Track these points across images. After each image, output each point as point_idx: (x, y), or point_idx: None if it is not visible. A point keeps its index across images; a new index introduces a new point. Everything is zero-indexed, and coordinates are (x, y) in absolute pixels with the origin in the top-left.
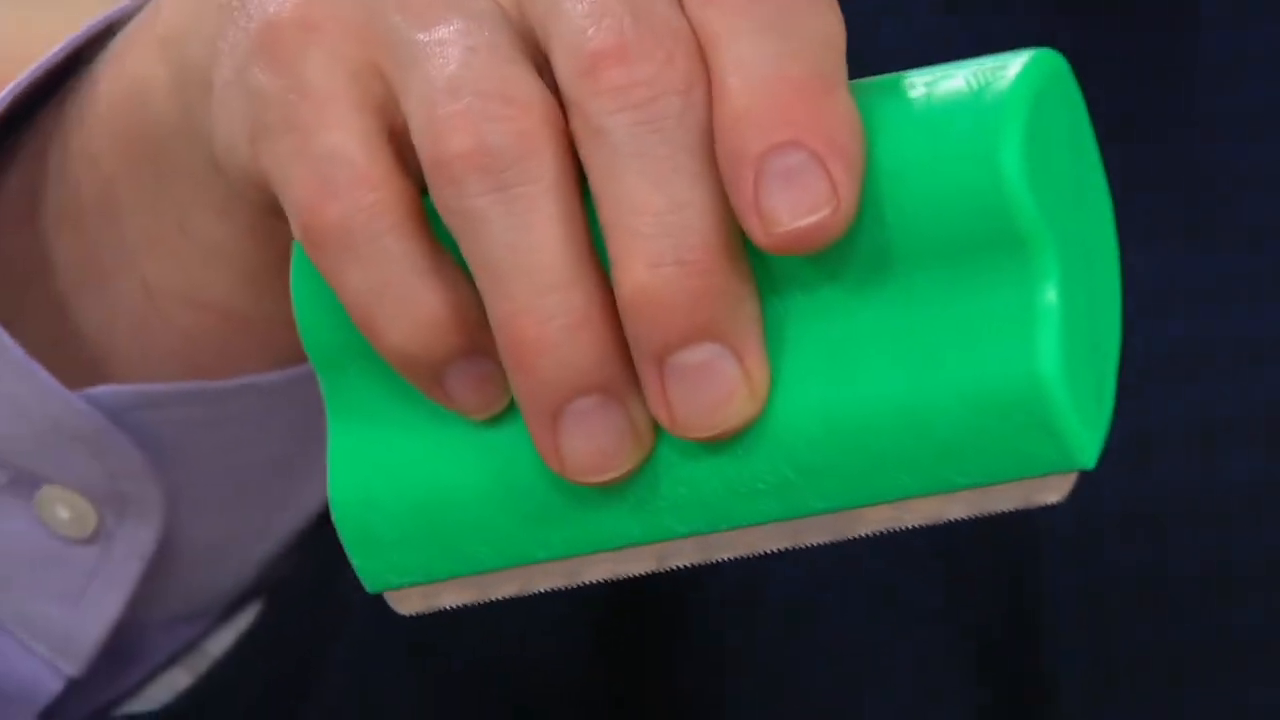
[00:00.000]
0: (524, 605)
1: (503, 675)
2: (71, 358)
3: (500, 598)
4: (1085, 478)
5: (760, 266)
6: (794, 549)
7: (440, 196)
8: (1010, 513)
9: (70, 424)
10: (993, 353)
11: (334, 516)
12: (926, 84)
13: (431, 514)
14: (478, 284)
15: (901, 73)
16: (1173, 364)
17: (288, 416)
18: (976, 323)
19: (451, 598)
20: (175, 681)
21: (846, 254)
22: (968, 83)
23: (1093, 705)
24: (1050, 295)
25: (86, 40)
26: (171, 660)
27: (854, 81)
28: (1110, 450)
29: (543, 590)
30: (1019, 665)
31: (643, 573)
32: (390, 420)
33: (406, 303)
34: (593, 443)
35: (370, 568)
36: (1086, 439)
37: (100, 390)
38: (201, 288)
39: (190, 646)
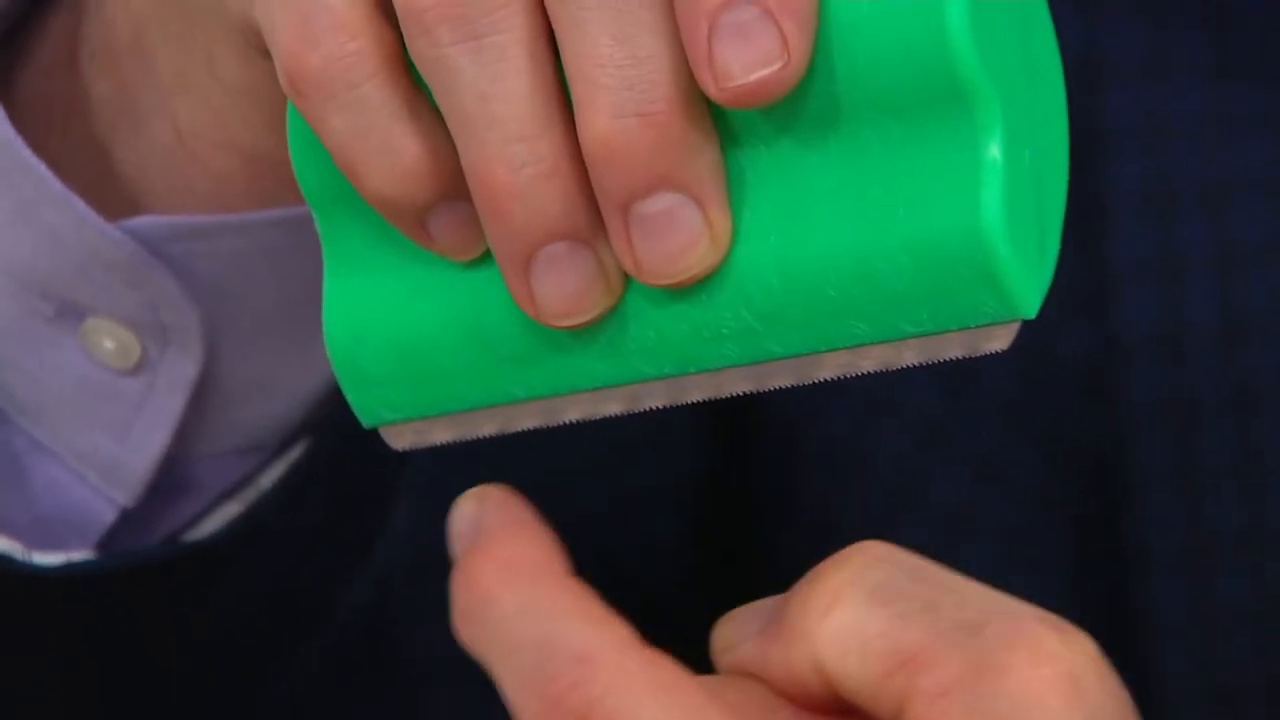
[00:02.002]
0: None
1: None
2: (109, 195)
3: (485, 435)
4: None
5: (720, 120)
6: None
7: (414, 46)
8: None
9: (107, 253)
10: (938, 206)
11: (329, 353)
12: None
13: (418, 353)
14: (451, 132)
15: None
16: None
17: (320, 251)
18: (923, 176)
19: (440, 434)
20: (229, 514)
21: (800, 108)
22: None
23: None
24: (993, 150)
25: None
26: (227, 494)
27: None
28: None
29: (525, 429)
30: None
31: (616, 413)
32: (380, 263)
33: (387, 149)
34: (563, 287)
35: (363, 403)
36: (1028, 289)
37: (136, 221)
38: (229, 129)
39: (245, 480)
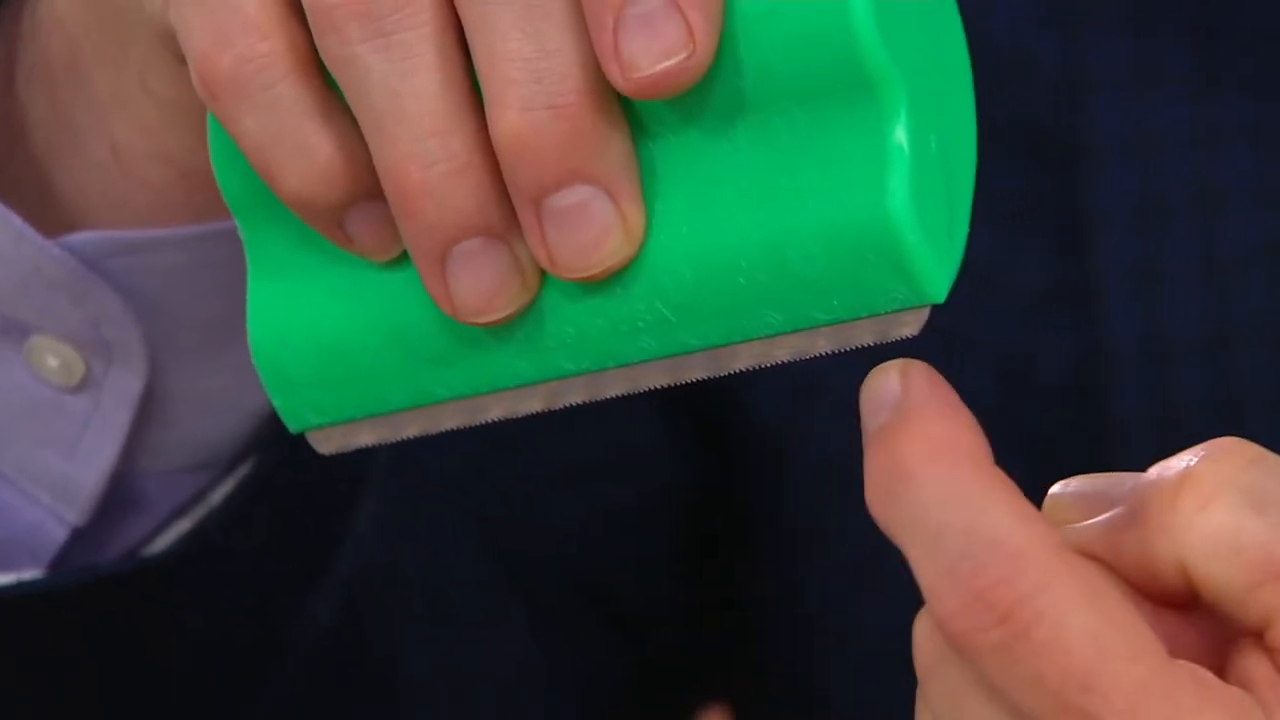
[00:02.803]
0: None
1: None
2: (50, 213)
3: (410, 436)
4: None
5: (631, 112)
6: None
7: (323, 44)
8: None
9: (49, 270)
10: (846, 193)
11: (253, 358)
12: None
13: (341, 356)
14: (363, 130)
15: None
16: None
17: None
18: (831, 164)
19: (366, 436)
20: (181, 531)
21: (708, 98)
22: None
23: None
24: (899, 136)
25: None
26: (178, 511)
27: None
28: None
29: (449, 428)
30: None
31: (539, 409)
32: (302, 266)
33: (301, 149)
34: (479, 283)
35: (289, 407)
36: (936, 275)
37: (74, 238)
38: (164, 144)
39: (196, 497)
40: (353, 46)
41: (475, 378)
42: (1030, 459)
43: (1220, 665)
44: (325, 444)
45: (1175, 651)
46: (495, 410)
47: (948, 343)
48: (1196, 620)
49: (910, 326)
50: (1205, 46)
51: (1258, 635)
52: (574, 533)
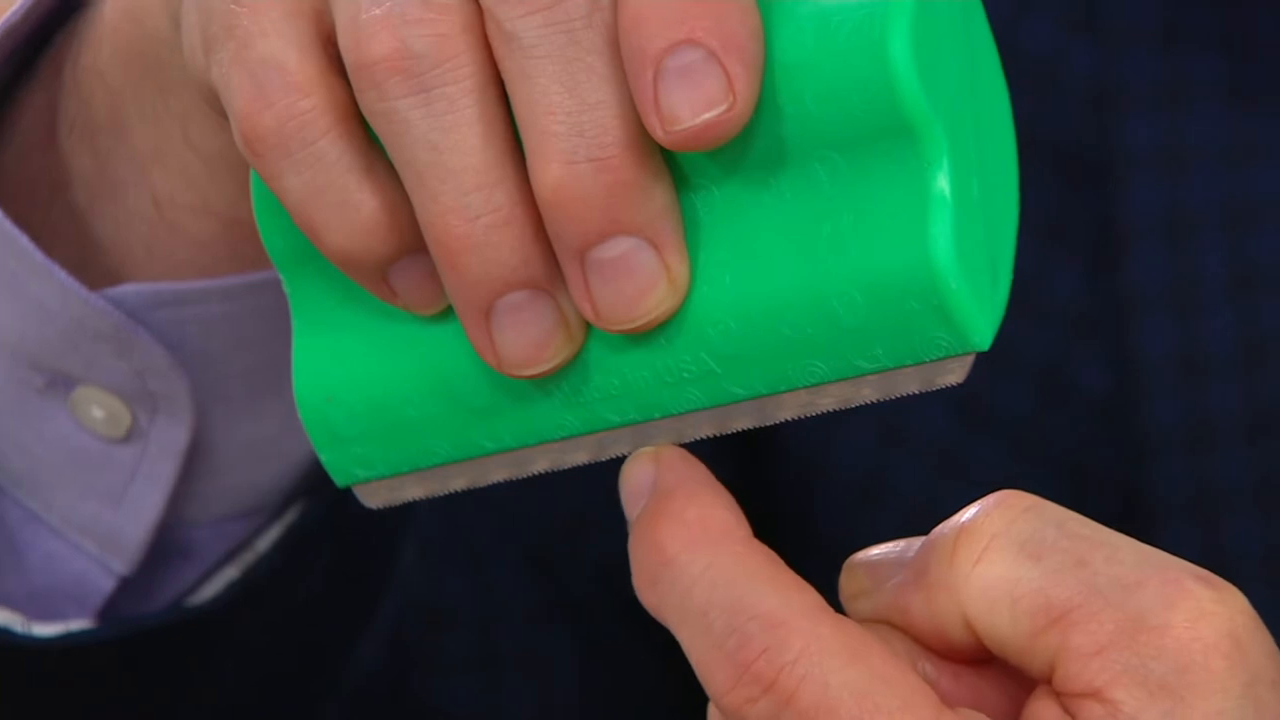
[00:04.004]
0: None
1: (561, 560)
2: (93, 266)
3: (456, 489)
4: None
5: (672, 163)
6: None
7: (365, 100)
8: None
9: (93, 323)
10: (888, 242)
11: (300, 413)
12: None
13: (387, 410)
14: (405, 185)
15: None
16: None
17: None
18: (873, 212)
19: (413, 490)
20: (228, 579)
21: (749, 148)
22: None
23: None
24: (941, 183)
25: None
26: (225, 559)
27: None
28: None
29: (496, 480)
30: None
31: (585, 461)
32: (347, 321)
33: (344, 205)
34: (524, 336)
35: (336, 462)
36: (980, 322)
37: (119, 290)
38: (207, 196)
39: (243, 545)
40: (394, 101)
41: (522, 430)
42: (1066, 473)
43: (1019, 714)
44: (372, 498)
45: (976, 706)
46: (541, 462)
47: (983, 357)
48: (994, 674)
49: (955, 374)
50: (1236, 60)
51: (1047, 681)
52: (622, 560)
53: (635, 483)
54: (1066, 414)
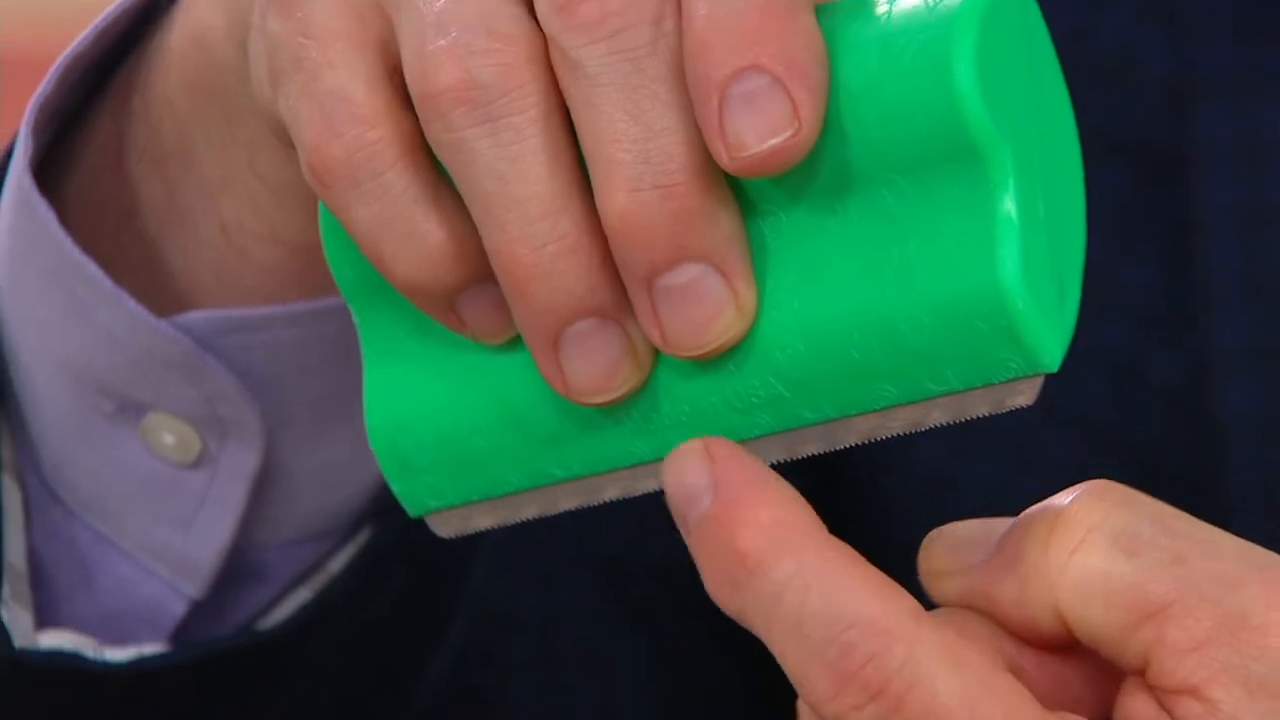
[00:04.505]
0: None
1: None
2: (162, 292)
3: (528, 518)
4: None
5: (738, 189)
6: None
7: (430, 130)
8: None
9: (162, 351)
10: (955, 264)
11: (371, 444)
12: (889, 2)
13: (458, 439)
14: (472, 215)
15: None
16: None
17: None
18: (939, 235)
19: (484, 519)
20: (301, 600)
21: (815, 173)
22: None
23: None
24: (1008, 205)
25: None
26: (298, 580)
27: (823, 4)
28: None
29: (566, 509)
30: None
31: (655, 489)
32: (417, 351)
33: (411, 236)
34: (593, 364)
35: (408, 492)
36: (1050, 343)
37: (187, 317)
38: (274, 224)
39: (315, 566)
40: (460, 132)
41: (592, 458)
42: (1140, 467)
43: (1105, 702)
44: (444, 527)
45: (1060, 694)
46: (611, 490)
47: None
48: (1079, 661)
49: (1025, 396)
50: None
51: (1139, 673)
52: (682, 560)
53: (686, 480)
54: (1140, 406)
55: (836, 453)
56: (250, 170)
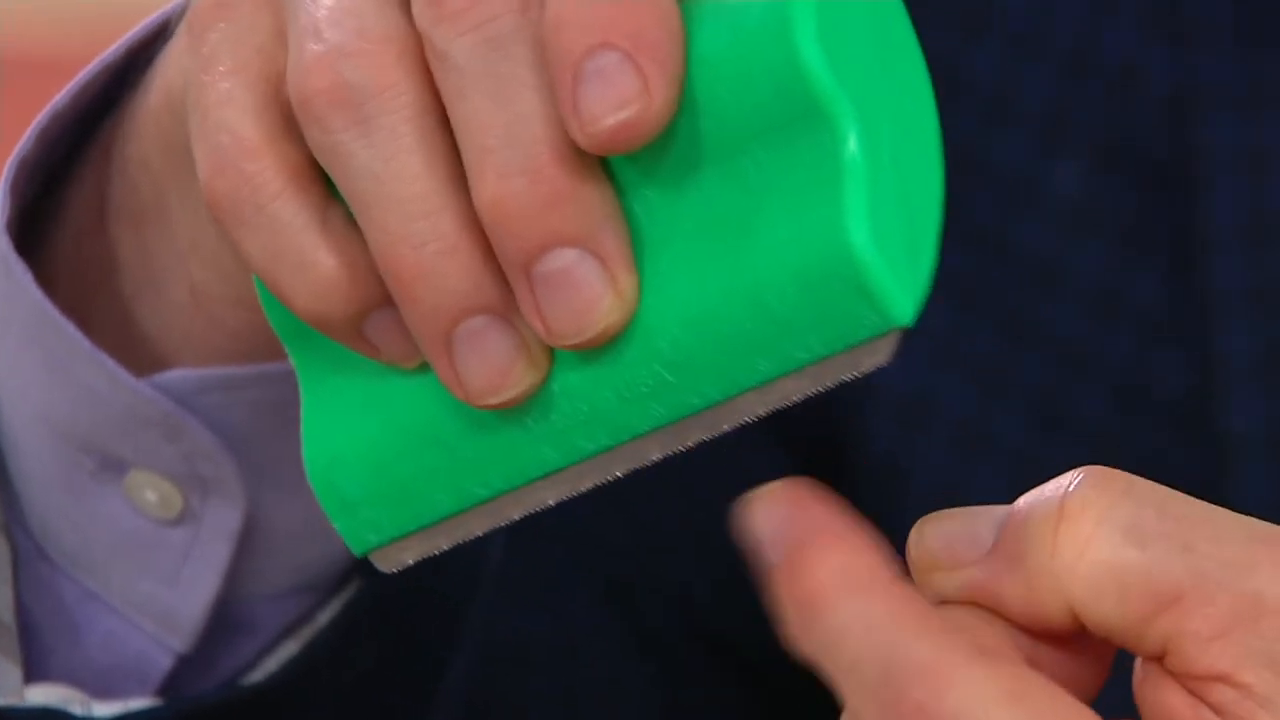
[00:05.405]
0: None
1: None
2: (140, 351)
3: (447, 546)
4: None
5: (615, 175)
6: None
7: (310, 138)
8: None
9: (141, 410)
10: (807, 224)
11: (310, 481)
12: None
13: (386, 468)
14: (359, 224)
15: None
16: None
17: None
18: (793, 198)
19: (420, 548)
20: (288, 653)
21: (677, 150)
22: None
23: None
24: (852, 158)
25: (147, 38)
26: (286, 633)
27: None
28: None
29: (479, 532)
30: None
31: (561, 499)
32: (343, 384)
33: (303, 265)
34: (485, 362)
35: (349, 529)
36: (902, 297)
37: (166, 376)
38: (240, 290)
39: (303, 618)
40: (336, 135)
41: (507, 471)
42: (1144, 477)
43: (1100, 676)
44: (384, 562)
45: (1070, 675)
46: (519, 508)
47: (1062, 359)
48: (1081, 644)
49: (880, 355)
50: None
51: (1156, 661)
52: (700, 588)
53: (768, 528)
54: (1144, 418)
55: (847, 472)
56: (215, 234)
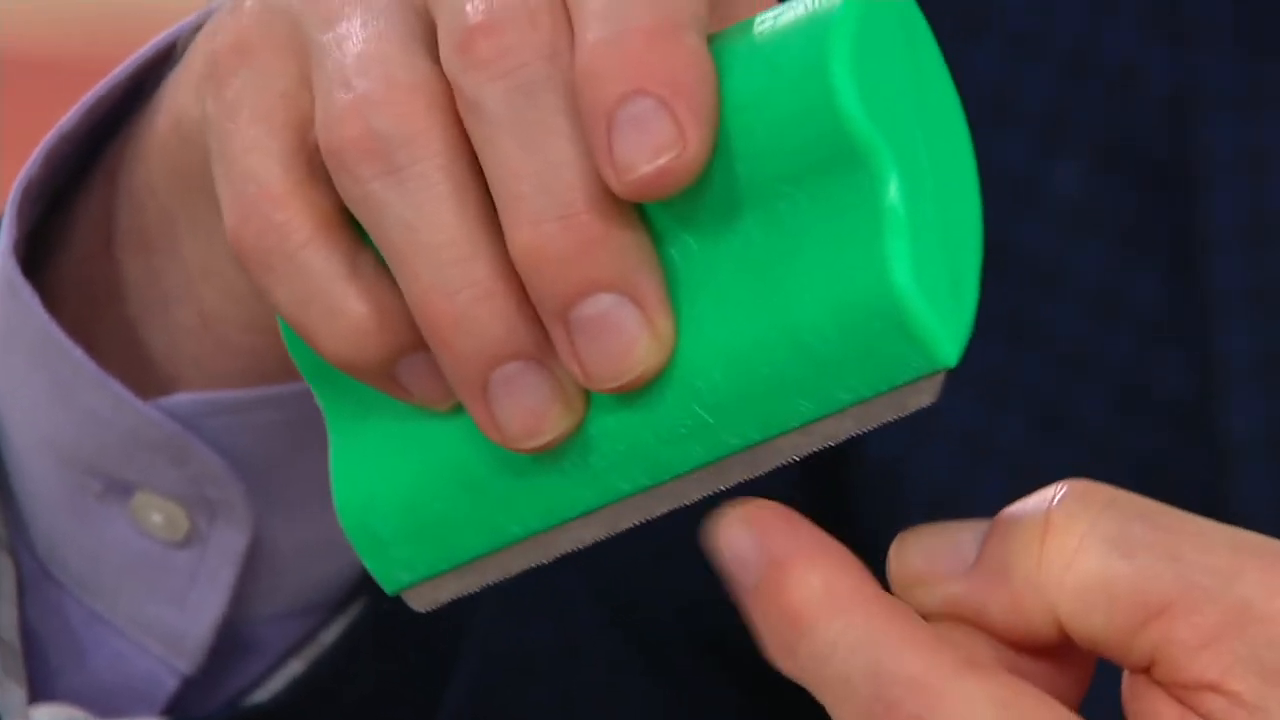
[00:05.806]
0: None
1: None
2: (146, 375)
3: (490, 582)
4: None
5: (650, 219)
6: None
7: (340, 188)
8: None
9: (147, 433)
10: (848, 266)
11: (341, 523)
12: (773, 15)
13: (420, 508)
14: (392, 272)
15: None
16: None
17: None
18: (832, 240)
19: (451, 589)
20: (292, 672)
21: (714, 194)
22: (806, 8)
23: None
24: (892, 202)
25: (155, 59)
26: (291, 652)
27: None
28: None
29: (520, 569)
30: None
31: (599, 538)
32: (375, 426)
33: (331, 313)
34: (522, 407)
35: (381, 569)
36: (945, 338)
37: (173, 399)
38: (252, 314)
39: (307, 638)
40: (367, 185)
41: (543, 512)
42: (1143, 481)
43: (1080, 683)
44: (418, 601)
45: (1052, 684)
46: (562, 545)
47: (1062, 361)
48: (1061, 652)
49: (926, 395)
50: None
51: (1144, 671)
52: (701, 597)
53: (738, 550)
54: (1145, 420)
55: (846, 482)
56: (227, 259)
